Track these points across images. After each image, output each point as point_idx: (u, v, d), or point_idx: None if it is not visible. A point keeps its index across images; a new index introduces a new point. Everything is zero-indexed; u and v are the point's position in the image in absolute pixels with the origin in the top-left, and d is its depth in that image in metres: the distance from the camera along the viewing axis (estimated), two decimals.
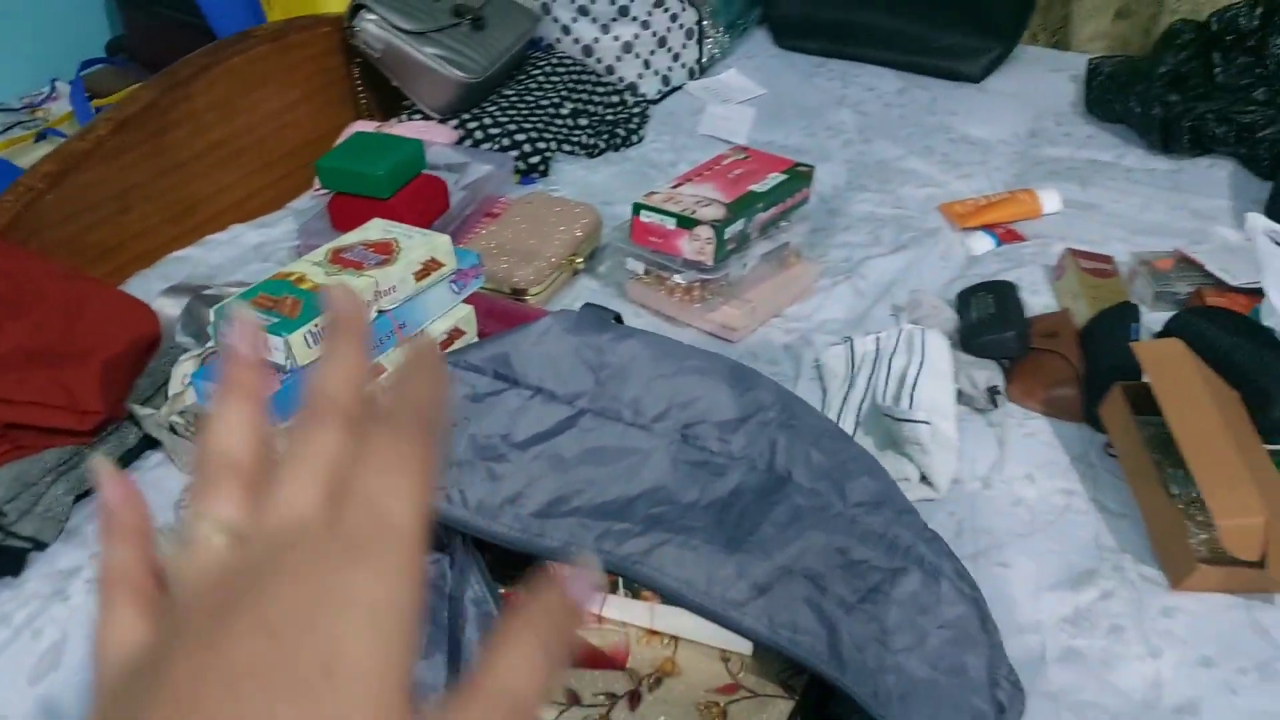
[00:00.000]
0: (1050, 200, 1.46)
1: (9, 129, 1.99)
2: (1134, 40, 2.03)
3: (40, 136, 1.98)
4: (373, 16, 1.54)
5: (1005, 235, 1.41)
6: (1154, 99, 1.57)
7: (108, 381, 0.96)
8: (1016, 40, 1.91)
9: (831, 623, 0.68)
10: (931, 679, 0.69)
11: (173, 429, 0.99)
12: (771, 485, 0.74)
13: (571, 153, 1.64)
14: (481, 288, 1.11)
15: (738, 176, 1.25)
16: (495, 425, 0.77)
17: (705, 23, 1.91)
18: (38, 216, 1.23)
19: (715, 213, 1.16)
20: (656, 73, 1.85)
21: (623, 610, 0.76)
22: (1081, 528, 0.96)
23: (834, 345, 1.16)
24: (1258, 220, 1.10)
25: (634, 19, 1.80)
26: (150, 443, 1.03)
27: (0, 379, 0.93)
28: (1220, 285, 1.22)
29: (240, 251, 1.43)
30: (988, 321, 1.14)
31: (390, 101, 1.69)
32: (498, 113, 1.61)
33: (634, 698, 0.72)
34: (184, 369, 1.02)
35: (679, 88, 1.90)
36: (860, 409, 1.07)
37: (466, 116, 1.60)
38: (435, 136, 1.52)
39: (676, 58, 1.88)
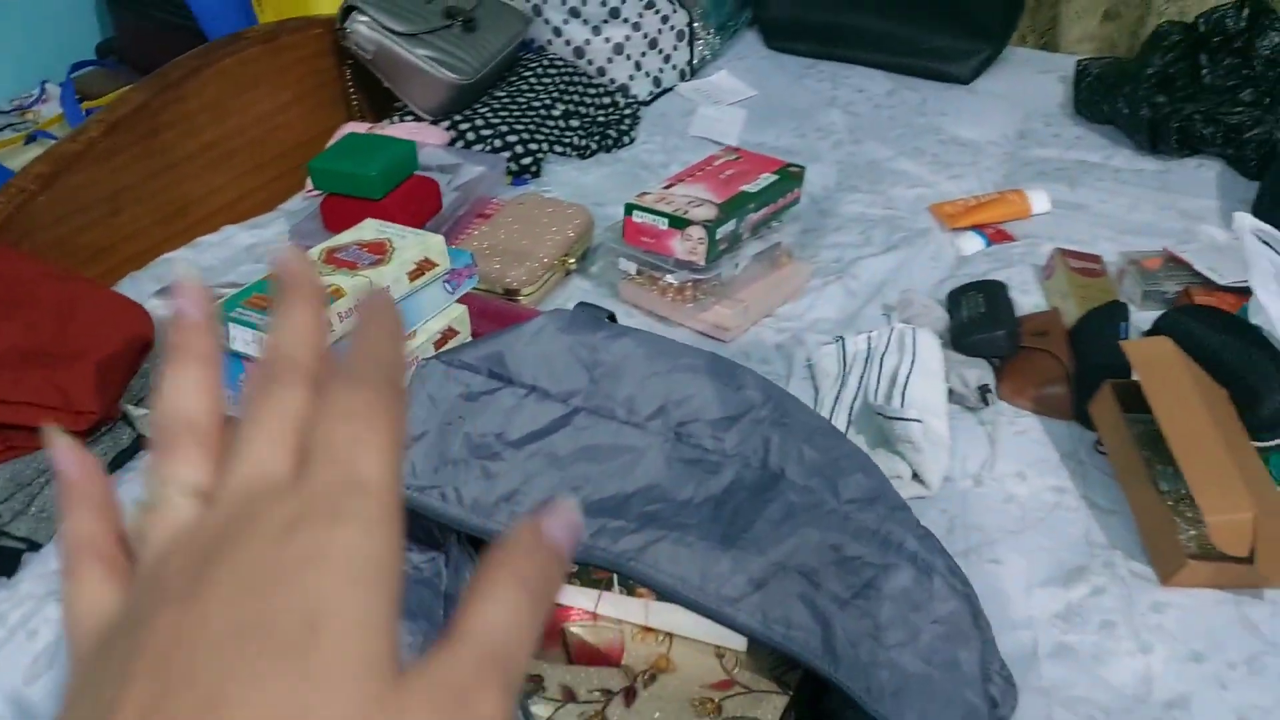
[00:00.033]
0: (1039, 201, 1.47)
1: None
2: (1122, 42, 2.05)
3: (30, 139, 1.98)
4: (364, 18, 1.54)
5: (995, 235, 1.42)
6: (1142, 100, 1.59)
7: (102, 382, 0.96)
8: (1005, 42, 1.92)
9: (825, 618, 0.69)
10: (925, 674, 0.70)
11: None
12: (765, 482, 0.74)
13: (563, 154, 1.64)
14: (474, 288, 1.12)
15: (729, 177, 1.25)
16: (490, 424, 0.77)
17: (696, 24, 1.91)
18: (29, 218, 1.23)
19: (707, 213, 1.17)
20: (648, 74, 1.86)
21: (618, 607, 0.77)
22: (1072, 524, 0.97)
23: (826, 345, 1.17)
24: (1245, 219, 1.11)
25: (625, 21, 1.80)
26: (144, 443, 1.04)
27: None
28: (1208, 284, 1.23)
29: (232, 253, 1.43)
30: (978, 321, 1.15)
31: (382, 103, 1.69)
32: (489, 114, 1.61)
33: (629, 694, 0.73)
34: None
35: (670, 89, 1.91)
36: (852, 408, 1.08)
37: (458, 118, 1.60)
38: (427, 138, 1.52)
39: (667, 59, 1.88)
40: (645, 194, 1.22)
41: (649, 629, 0.77)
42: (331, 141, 1.52)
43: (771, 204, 1.24)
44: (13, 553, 0.92)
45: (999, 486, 1.01)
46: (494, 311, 1.14)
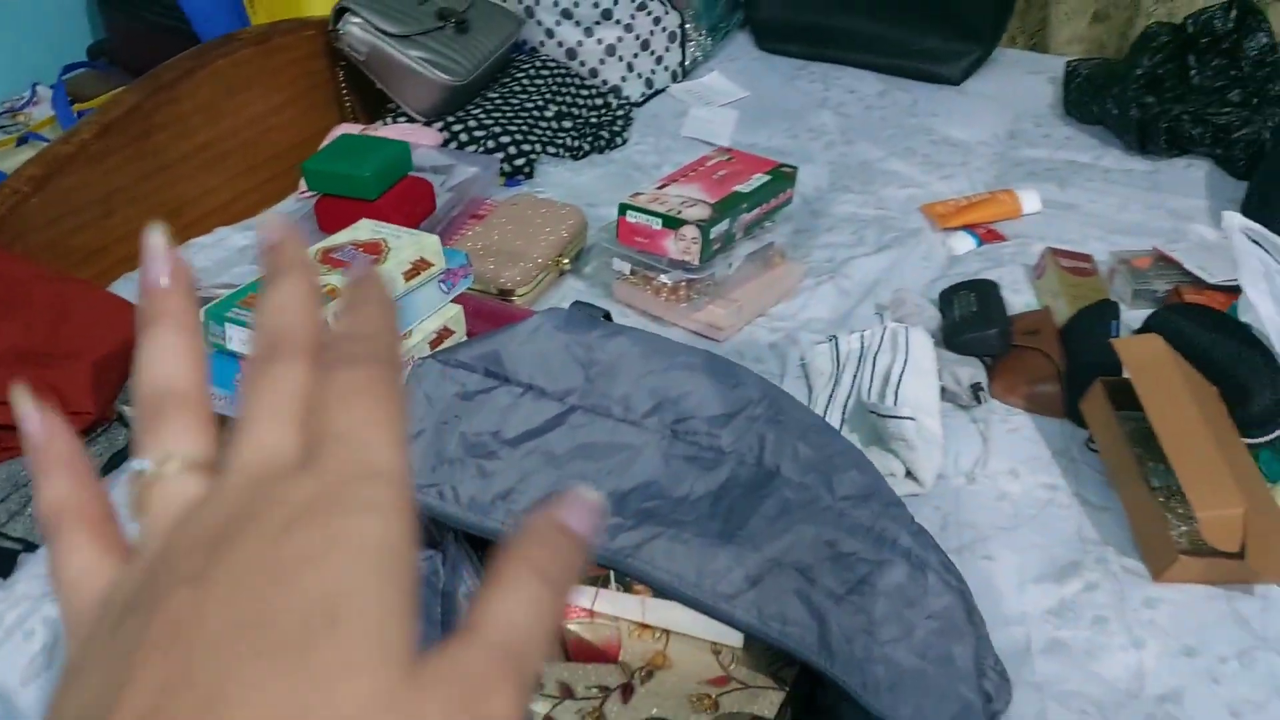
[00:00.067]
0: (1030, 200, 1.47)
1: None
2: (1111, 43, 2.06)
3: (21, 141, 1.97)
4: (357, 20, 1.55)
5: (986, 235, 1.42)
6: (1131, 101, 1.59)
7: (98, 382, 0.96)
8: (995, 43, 1.93)
9: (821, 614, 0.69)
10: (919, 669, 0.70)
11: None
12: (761, 479, 0.75)
13: (556, 155, 1.64)
14: (469, 288, 1.12)
15: (722, 177, 1.26)
16: (486, 423, 0.78)
17: (688, 26, 1.92)
18: (22, 220, 1.22)
19: (700, 213, 1.17)
20: (640, 75, 1.86)
21: (614, 604, 0.77)
22: (1064, 521, 0.98)
23: (819, 344, 1.18)
24: (1234, 218, 1.12)
25: (617, 22, 1.81)
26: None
27: None
28: (1198, 283, 1.24)
29: (226, 254, 1.43)
30: (970, 319, 1.16)
31: (375, 104, 1.69)
32: (482, 115, 1.61)
33: (626, 690, 0.73)
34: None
35: (662, 90, 1.91)
36: (846, 406, 1.09)
37: (451, 119, 1.60)
38: (420, 139, 1.52)
39: (659, 61, 1.89)
40: (639, 194, 1.23)
41: (646, 626, 0.77)
42: (325, 143, 1.52)
43: (764, 204, 1.25)
44: (9, 554, 0.92)
45: (992, 484, 1.02)
46: (489, 311, 1.14)
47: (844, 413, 1.08)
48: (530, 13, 1.80)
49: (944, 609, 0.73)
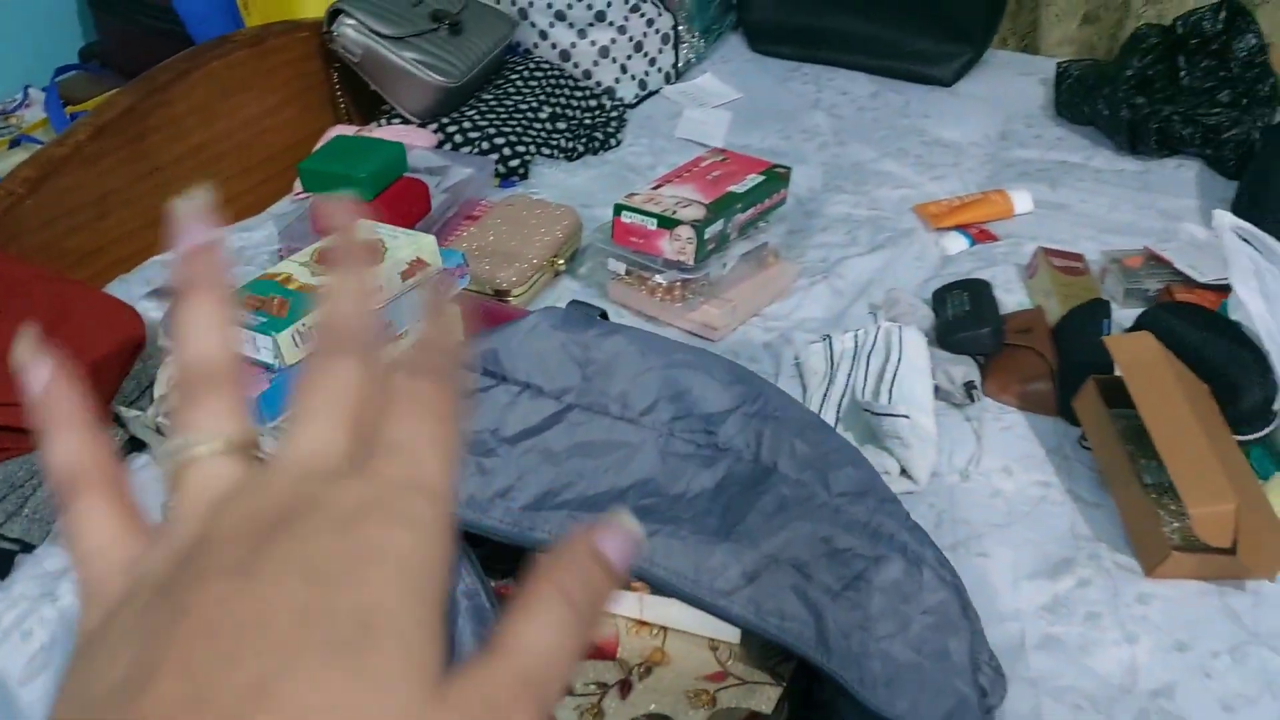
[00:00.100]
0: (1022, 201, 1.48)
1: None
2: (1101, 44, 2.07)
3: (14, 143, 1.97)
4: (351, 21, 1.55)
5: (978, 235, 1.43)
6: (1121, 101, 1.61)
7: (95, 384, 0.96)
8: (986, 45, 1.94)
9: (818, 609, 0.70)
10: (915, 664, 0.71)
11: (159, 430, 0.99)
12: (757, 476, 0.75)
13: (550, 156, 1.65)
14: (465, 288, 1.12)
15: (717, 178, 1.27)
16: (484, 420, 0.78)
17: (681, 28, 1.93)
18: (17, 222, 1.23)
19: (695, 213, 1.18)
20: (633, 77, 1.87)
21: (612, 601, 0.77)
22: (1058, 518, 0.98)
23: (813, 343, 1.18)
24: (1225, 217, 1.13)
25: (610, 24, 1.81)
26: (136, 445, 1.04)
27: None
28: (1189, 282, 1.25)
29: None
30: (963, 319, 1.16)
31: (369, 106, 1.69)
32: (477, 117, 1.62)
33: (625, 686, 0.73)
34: (170, 371, 1.02)
35: (656, 92, 1.92)
36: (840, 405, 1.09)
37: (446, 120, 1.61)
38: (414, 140, 1.52)
39: (653, 62, 1.89)
40: (634, 194, 1.23)
41: (643, 623, 0.77)
42: (319, 144, 1.52)
43: (758, 204, 1.26)
44: (6, 554, 0.92)
45: (986, 481, 1.02)
46: (485, 312, 1.14)
47: (838, 411, 1.09)
48: (524, 14, 1.81)
49: (939, 604, 0.74)
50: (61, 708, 0.20)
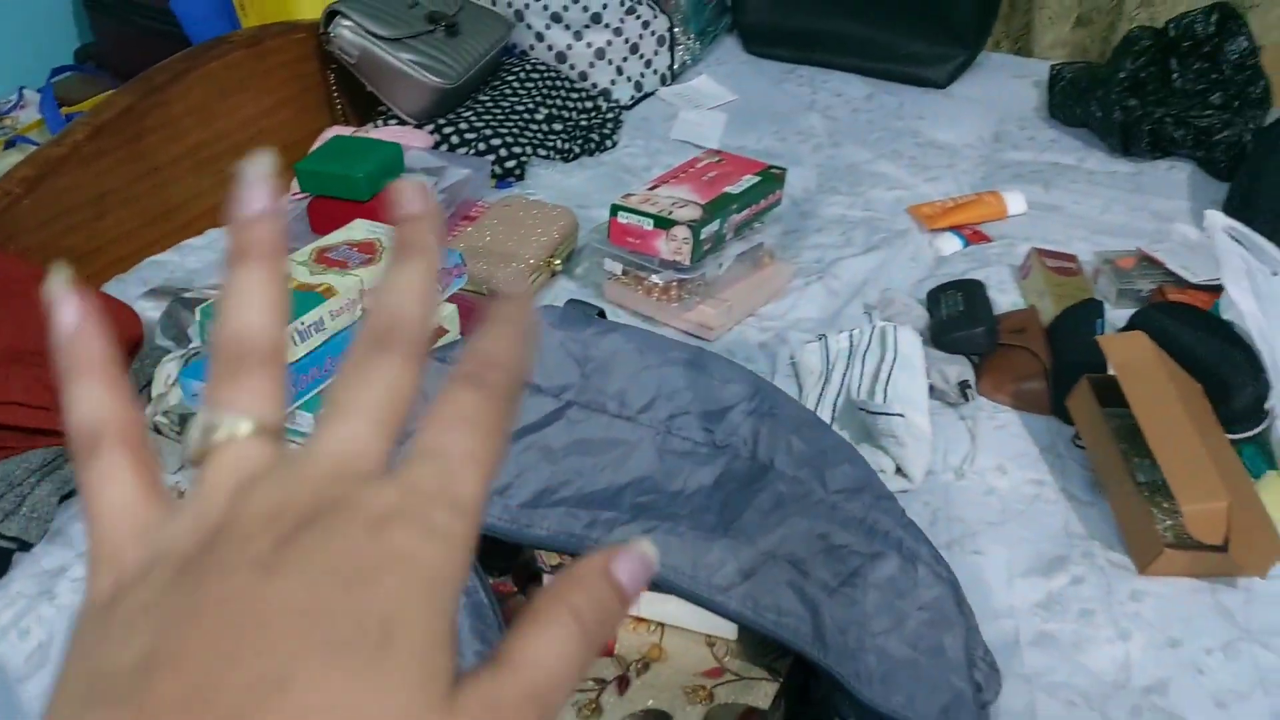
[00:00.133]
0: (1015, 202, 1.49)
1: None
2: (1094, 47, 2.08)
3: (9, 144, 1.97)
4: (348, 23, 1.55)
5: (972, 236, 1.44)
6: (1114, 104, 1.62)
7: None
8: (980, 47, 1.95)
9: (814, 605, 0.70)
10: (911, 659, 0.71)
11: (157, 429, 0.99)
12: (754, 473, 0.76)
13: (547, 157, 1.65)
14: (462, 288, 1.13)
15: (712, 179, 1.27)
16: None
17: (676, 30, 1.93)
18: (14, 221, 1.23)
19: (691, 213, 1.19)
20: (629, 79, 1.88)
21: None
22: (1052, 516, 0.99)
23: (809, 343, 1.19)
24: (1217, 218, 1.13)
25: (606, 26, 1.82)
26: None
27: None
28: (1181, 282, 1.26)
29: (217, 256, 1.43)
30: (957, 319, 1.17)
31: (365, 107, 1.70)
32: (473, 118, 1.62)
33: (622, 683, 0.74)
34: (167, 370, 1.02)
35: (651, 93, 1.93)
36: (836, 404, 1.10)
37: (442, 121, 1.61)
38: (411, 141, 1.53)
39: (648, 64, 1.90)
40: (630, 195, 1.24)
41: (641, 619, 0.78)
42: (316, 145, 1.52)
43: (754, 205, 1.26)
44: (4, 552, 0.92)
45: (980, 480, 1.03)
46: (482, 311, 1.15)
47: (834, 410, 1.09)
48: (520, 16, 1.82)
49: (934, 600, 0.74)
50: (70, 676, 0.20)
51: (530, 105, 1.69)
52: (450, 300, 1.09)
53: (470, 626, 0.72)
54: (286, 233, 0.25)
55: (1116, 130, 1.61)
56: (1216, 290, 1.18)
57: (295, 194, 1.54)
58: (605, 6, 1.80)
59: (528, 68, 1.77)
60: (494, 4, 1.82)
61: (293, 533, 0.21)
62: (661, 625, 0.78)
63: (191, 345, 1.05)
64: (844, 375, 1.12)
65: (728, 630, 0.76)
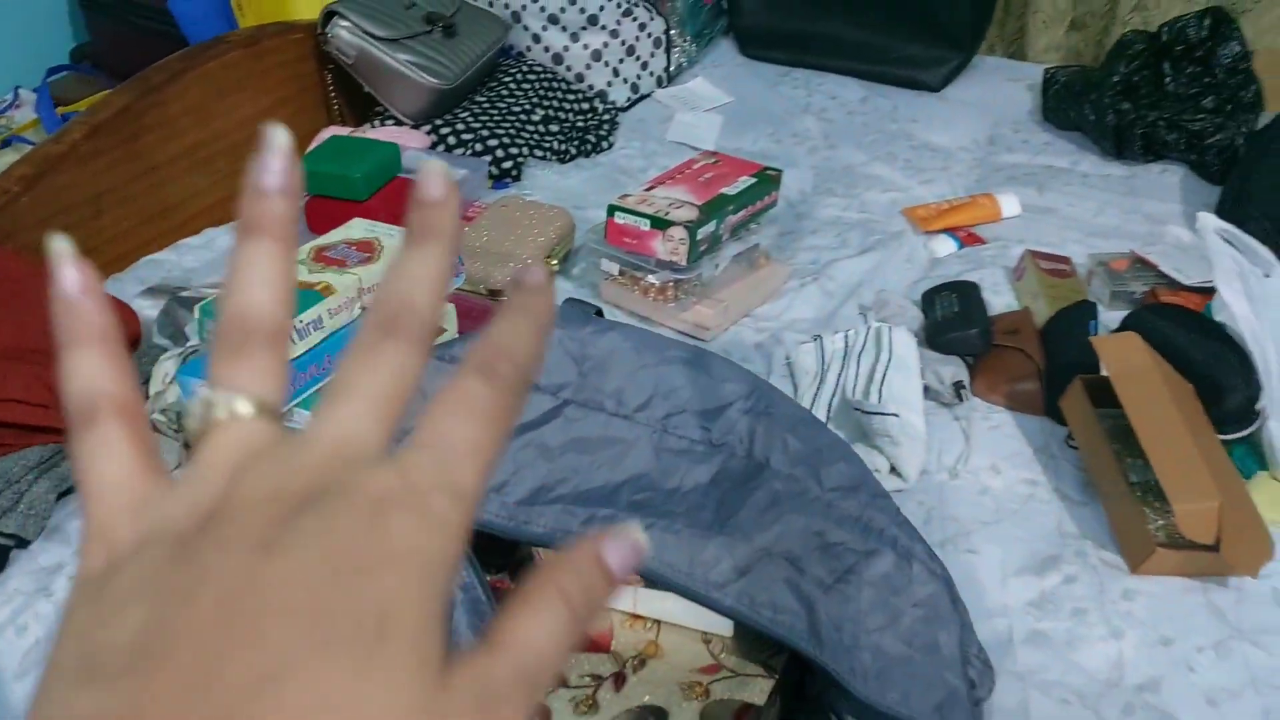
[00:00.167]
0: (1009, 204, 1.50)
1: None
2: (1087, 51, 2.09)
3: (5, 143, 1.97)
4: (345, 23, 1.56)
5: (967, 238, 1.45)
6: (1107, 107, 1.62)
7: None
8: (974, 51, 1.96)
9: (810, 602, 0.71)
10: (906, 656, 0.72)
11: (155, 427, 0.99)
12: (750, 471, 0.77)
13: (543, 158, 1.66)
14: (459, 288, 1.13)
15: (709, 180, 1.28)
16: None
17: (673, 32, 1.94)
18: (12, 219, 1.23)
19: (688, 214, 1.19)
20: (625, 80, 1.88)
21: (609, 604, 0.78)
22: (1045, 515, 1.00)
23: (804, 343, 1.19)
24: (1209, 220, 1.14)
25: (603, 28, 1.83)
26: None
27: None
28: (1173, 284, 1.26)
29: (214, 255, 1.43)
30: (952, 320, 1.18)
31: (362, 107, 1.70)
32: (470, 119, 1.63)
33: (619, 679, 0.74)
34: (165, 368, 1.02)
35: (647, 95, 1.93)
36: (831, 404, 1.10)
37: (439, 122, 1.61)
38: (408, 142, 1.53)
39: (645, 66, 1.91)
40: (627, 196, 1.25)
41: (637, 616, 0.78)
42: (313, 145, 1.53)
43: (750, 206, 1.27)
44: (1, 550, 0.93)
45: (974, 479, 1.04)
46: (479, 311, 1.15)
47: (829, 410, 1.10)
48: (517, 18, 1.82)
49: (929, 597, 0.75)
50: (62, 652, 0.20)
51: (527, 106, 1.69)
52: (447, 299, 1.10)
53: (468, 623, 0.72)
54: (298, 208, 0.25)
55: (1110, 134, 1.62)
56: (1209, 292, 1.18)
57: None
58: (602, 9, 1.81)
59: (524, 69, 1.77)
60: (491, 5, 1.82)
61: (290, 515, 0.20)
62: (658, 622, 0.78)
63: (189, 344, 1.05)
64: (839, 375, 1.12)
65: (724, 627, 0.77)
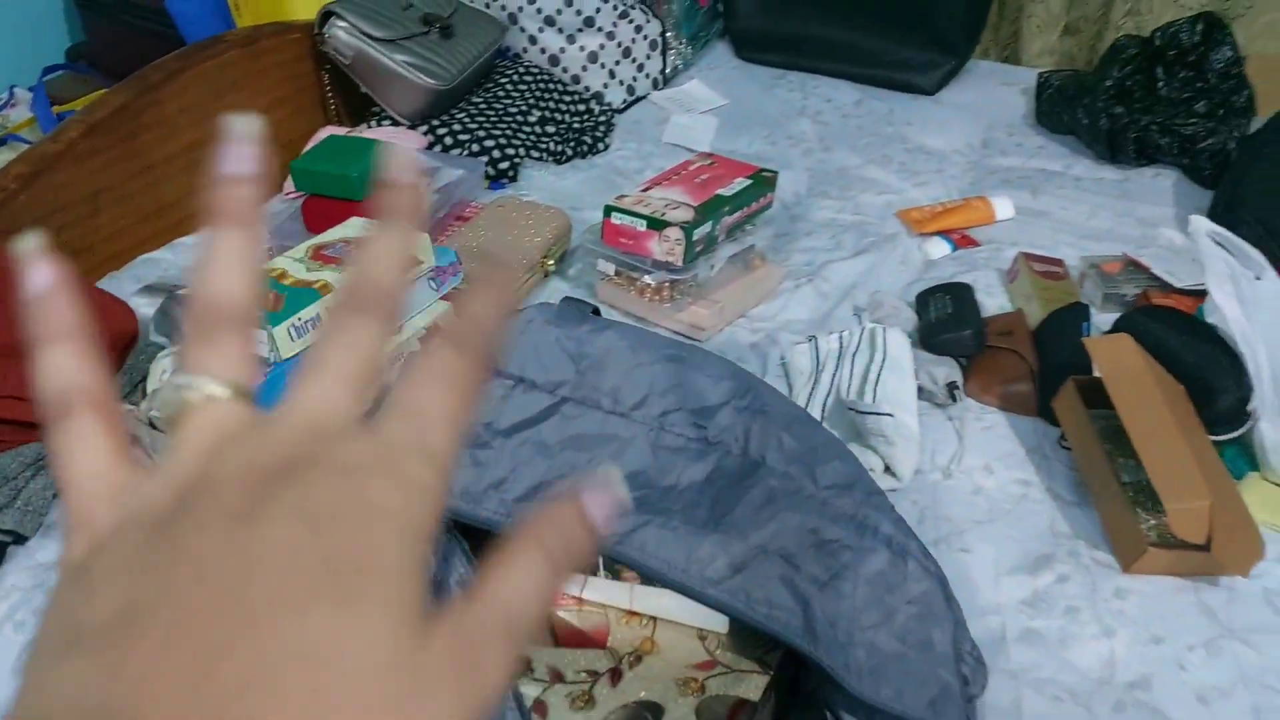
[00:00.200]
0: (1003, 207, 1.51)
1: None
2: (1080, 55, 2.10)
3: (1, 142, 1.97)
4: (343, 24, 1.56)
5: (961, 240, 1.46)
6: (1100, 111, 1.63)
7: None
8: (969, 55, 1.97)
9: (805, 599, 0.71)
10: (900, 653, 0.73)
11: (152, 424, 1.00)
12: (746, 469, 0.77)
13: (540, 159, 1.66)
14: (457, 287, 1.14)
15: (705, 181, 1.28)
16: (479, 413, 0.79)
17: (669, 34, 1.95)
18: (9, 218, 1.23)
19: (684, 215, 1.20)
20: (621, 82, 1.89)
21: (603, 592, 0.79)
22: (1038, 515, 1.00)
23: (799, 344, 1.20)
24: (1201, 222, 1.15)
25: (599, 30, 1.83)
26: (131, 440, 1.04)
27: None
28: (1166, 287, 1.27)
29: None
30: (946, 321, 1.19)
31: (359, 107, 1.70)
32: (467, 119, 1.63)
33: (615, 674, 0.75)
34: (162, 365, 1.03)
35: (644, 97, 1.94)
36: (825, 404, 1.11)
37: (436, 123, 1.62)
38: (404, 142, 1.54)
39: (641, 68, 1.91)
40: (623, 196, 1.25)
41: (633, 613, 0.79)
42: (310, 144, 1.53)
43: (746, 207, 1.27)
44: None
45: (968, 479, 1.04)
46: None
47: (823, 410, 1.10)
48: (514, 20, 1.83)
49: (923, 594, 0.75)
50: (45, 633, 0.20)
51: (523, 107, 1.70)
52: (445, 298, 1.10)
53: None
54: (264, 195, 0.26)
55: (1103, 137, 1.63)
56: (1201, 294, 1.19)
57: (290, 193, 1.55)
58: (598, 11, 1.81)
59: (521, 70, 1.78)
60: (488, 7, 1.83)
61: (268, 486, 0.21)
62: (654, 619, 0.79)
63: None
64: (833, 376, 1.13)
65: (719, 623, 0.77)
